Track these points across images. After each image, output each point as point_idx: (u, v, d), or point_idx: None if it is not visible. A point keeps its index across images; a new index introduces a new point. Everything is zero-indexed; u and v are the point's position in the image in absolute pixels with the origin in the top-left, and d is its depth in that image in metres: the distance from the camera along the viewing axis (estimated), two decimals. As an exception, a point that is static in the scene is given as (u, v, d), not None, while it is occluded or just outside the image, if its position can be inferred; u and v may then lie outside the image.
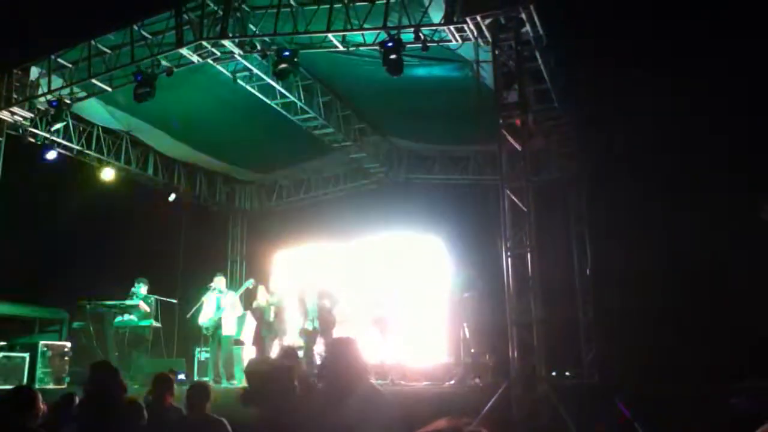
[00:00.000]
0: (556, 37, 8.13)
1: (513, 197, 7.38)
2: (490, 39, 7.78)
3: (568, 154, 10.93)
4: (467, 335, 9.73)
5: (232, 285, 11.35)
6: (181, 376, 10.22)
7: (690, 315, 8.91)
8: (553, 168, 10.92)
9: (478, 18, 7.63)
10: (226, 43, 8.92)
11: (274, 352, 10.69)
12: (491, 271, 8.58)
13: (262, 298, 10.86)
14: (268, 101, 10.45)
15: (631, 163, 9.76)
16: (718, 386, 7.21)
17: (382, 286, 11.08)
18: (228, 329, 10.60)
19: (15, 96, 10.47)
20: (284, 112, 10.78)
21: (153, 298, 11.09)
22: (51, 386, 9.92)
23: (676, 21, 8.55)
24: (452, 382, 9.42)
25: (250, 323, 11.39)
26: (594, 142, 10.26)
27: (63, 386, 10.13)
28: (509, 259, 7.30)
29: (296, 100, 10.52)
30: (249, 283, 11.11)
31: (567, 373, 10.46)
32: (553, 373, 8.75)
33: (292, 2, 8.59)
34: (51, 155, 11.09)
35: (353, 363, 3.36)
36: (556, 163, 10.95)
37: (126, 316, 10.79)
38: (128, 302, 10.81)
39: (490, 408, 6.82)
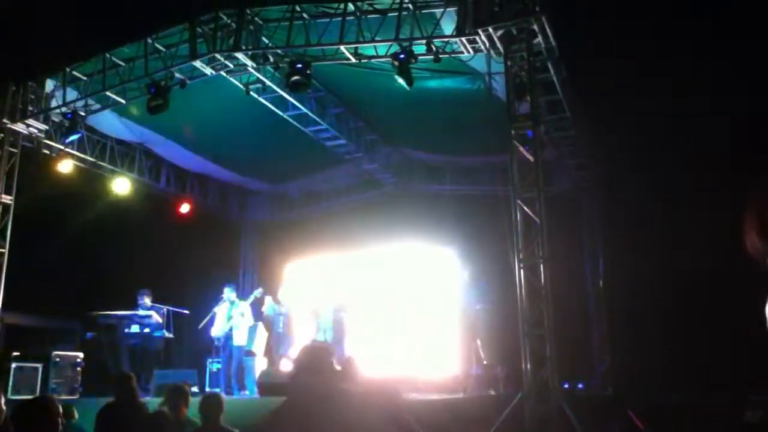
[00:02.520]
0: (568, 48, 8.14)
1: (525, 208, 7.39)
2: (502, 50, 7.81)
3: (580, 164, 10.92)
4: (479, 347, 9.70)
5: (244, 296, 11.36)
6: (194, 388, 10.22)
7: (704, 326, 8.84)
8: (565, 179, 10.91)
9: (490, 29, 7.66)
10: (239, 55, 8.99)
11: (283, 364, 10.72)
12: (503, 283, 8.56)
13: (269, 308, 10.88)
14: (281, 113, 10.51)
15: (644, 174, 9.73)
16: (734, 398, 7.14)
17: (394, 297, 11.08)
18: (239, 340, 10.62)
19: (30, 108, 10.58)
20: (297, 124, 10.84)
21: (165, 308, 11.13)
22: (64, 396, 9.94)
23: (692, 24, 8.50)
24: (462, 395, 9.38)
25: (261, 334, 11.41)
26: (606, 152, 10.23)
27: (75, 397, 10.16)
28: (521, 271, 7.30)
29: (309, 112, 10.58)
30: (257, 293, 11.13)
31: (580, 385, 10.40)
32: (566, 385, 8.69)
33: (304, 15, 8.65)
34: (65, 167, 11.18)
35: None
36: (568, 173, 10.94)
37: (138, 327, 10.82)
38: (140, 313, 10.85)
39: (503, 420, 6.80)
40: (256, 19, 8.98)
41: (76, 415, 5.32)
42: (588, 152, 10.63)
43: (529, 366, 7.02)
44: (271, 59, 9.06)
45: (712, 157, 8.97)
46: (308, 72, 8.75)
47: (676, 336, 8.97)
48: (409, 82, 8.17)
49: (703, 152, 9.02)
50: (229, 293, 10.85)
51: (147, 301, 10.93)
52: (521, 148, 7.54)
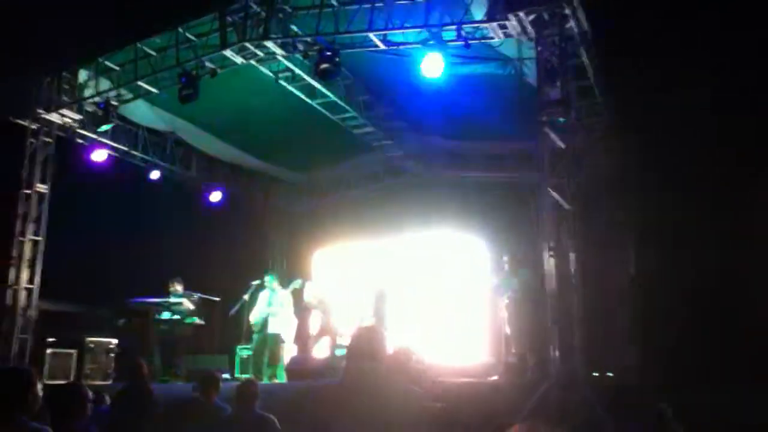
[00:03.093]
0: (601, 32, 8.03)
1: (555, 195, 7.32)
2: (533, 35, 7.73)
3: (612, 151, 10.77)
4: (508, 335, 9.66)
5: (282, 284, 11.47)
6: (225, 375, 10.35)
7: (737, 318, 8.69)
8: (596, 166, 10.75)
9: (521, 14, 7.58)
10: (269, 44, 9.03)
11: (317, 350, 10.80)
12: (532, 271, 8.51)
13: (309, 295, 10.94)
14: (310, 101, 10.54)
15: (677, 162, 9.57)
16: (764, 392, 7.03)
17: (422, 284, 11.08)
18: (275, 327, 10.69)
19: (64, 98, 10.77)
20: (325, 112, 10.86)
21: (197, 295, 11.27)
22: (98, 382, 10.15)
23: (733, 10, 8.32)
24: (495, 377, 9.35)
25: (292, 321, 11.50)
26: (640, 139, 10.08)
27: (109, 382, 10.36)
28: (551, 259, 7.24)
29: (337, 100, 10.60)
30: (297, 283, 11.17)
31: (609, 374, 10.30)
32: (595, 374, 8.62)
33: (333, 2, 8.65)
34: (99, 156, 11.36)
35: (377, 351, 3.32)
36: (599, 160, 10.79)
37: (169, 314, 10.97)
38: (172, 299, 11.00)
39: (532, 407, 6.77)
40: (286, 7, 9.01)
41: (107, 400, 5.45)
42: (621, 138, 10.47)
43: (557, 354, 6.98)
44: (301, 47, 9.08)
45: (750, 146, 8.79)
46: (337, 60, 8.76)
47: (708, 327, 8.83)
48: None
49: (740, 141, 8.83)
50: (270, 281, 10.91)
51: (178, 288, 11.07)
52: (552, 135, 7.46)
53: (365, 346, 3.31)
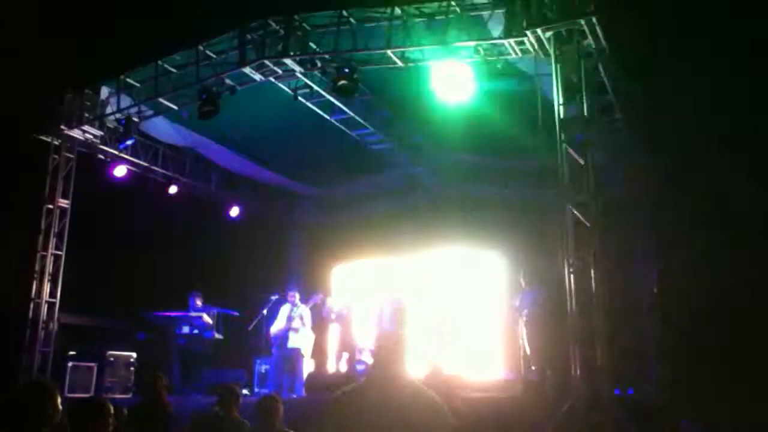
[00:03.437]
0: (620, 48, 7.98)
1: (575, 212, 7.26)
2: (551, 52, 7.69)
3: (633, 167, 10.67)
4: (527, 352, 9.57)
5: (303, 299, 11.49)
6: (244, 390, 10.36)
7: (764, 335, 8.53)
8: (617, 182, 10.66)
9: (539, 31, 7.55)
10: (288, 61, 9.09)
11: (336, 365, 10.79)
12: (553, 288, 8.42)
13: (328, 311, 10.95)
14: (328, 117, 10.58)
15: (701, 177, 9.46)
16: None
17: (441, 300, 11.03)
18: (294, 342, 10.71)
19: (86, 115, 10.91)
20: (343, 128, 10.90)
21: (215, 310, 11.31)
22: (117, 395, 10.20)
23: (750, 22, 8.23)
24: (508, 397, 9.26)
25: (309, 336, 11.50)
26: (661, 154, 9.98)
27: (128, 396, 10.41)
28: (571, 276, 7.17)
29: (355, 116, 10.63)
30: (317, 299, 11.19)
31: (631, 393, 10.16)
32: (617, 392, 8.51)
33: (351, 20, 8.70)
34: (120, 171, 11.49)
35: (402, 357, 3.33)
36: (620, 177, 10.69)
37: (189, 328, 11.02)
38: (191, 314, 11.05)
39: (554, 426, 6.69)
40: (304, 25, 9.08)
41: (126, 414, 5.48)
42: (642, 154, 10.38)
43: (579, 372, 6.90)
44: (319, 64, 9.14)
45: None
46: (355, 76, 8.79)
47: (735, 345, 8.68)
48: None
49: (764, 158, 8.70)
50: (292, 295, 10.96)
51: (198, 302, 11.14)
52: (571, 151, 7.41)
53: (390, 351, 3.33)
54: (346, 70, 8.73)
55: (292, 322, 10.69)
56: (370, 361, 10.43)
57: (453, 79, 8.28)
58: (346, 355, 10.84)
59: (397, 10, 8.41)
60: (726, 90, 8.57)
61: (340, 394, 3.30)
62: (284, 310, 10.84)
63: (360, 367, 10.58)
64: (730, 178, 9.02)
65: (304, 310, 10.85)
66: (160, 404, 6.17)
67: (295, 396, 10.46)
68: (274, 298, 11.01)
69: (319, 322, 11.13)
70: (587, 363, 6.87)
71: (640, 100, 9.30)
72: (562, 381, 8.08)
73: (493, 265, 12.48)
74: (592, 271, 7.08)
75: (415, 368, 3.45)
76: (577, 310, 7.04)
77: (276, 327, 10.76)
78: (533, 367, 9.51)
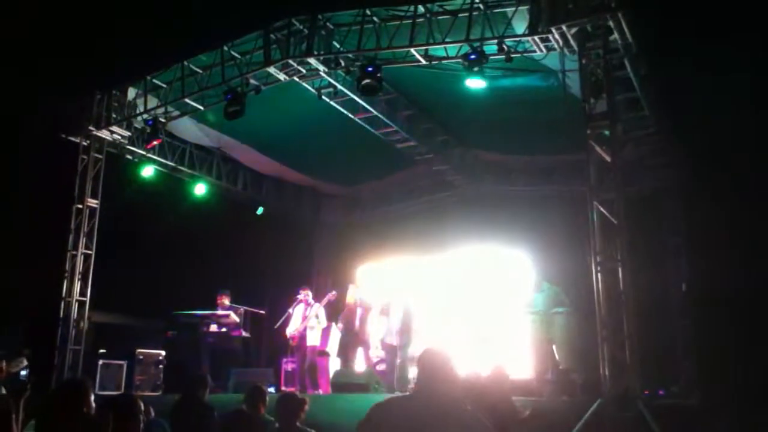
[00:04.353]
0: (647, 44, 7.85)
1: (602, 209, 7.17)
2: (576, 48, 7.61)
3: (661, 164, 10.52)
4: (555, 351, 9.48)
5: (317, 297, 11.50)
6: (271, 389, 10.41)
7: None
8: (645, 179, 10.50)
9: (564, 27, 7.48)
10: (312, 60, 9.10)
11: (358, 363, 10.79)
12: (580, 286, 8.34)
13: (351, 298, 10.95)
14: (352, 116, 10.59)
15: (730, 172, 9.27)
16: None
17: (467, 299, 10.97)
18: (312, 340, 10.74)
19: (114, 116, 11.07)
20: (368, 127, 10.89)
21: (242, 308, 11.39)
22: (147, 393, 10.32)
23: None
24: (541, 398, 9.18)
25: (335, 335, 11.51)
26: (689, 150, 9.81)
27: (158, 393, 10.53)
28: (599, 274, 7.09)
29: (379, 115, 10.61)
30: (331, 296, 11.21)
31: (661, 393, 10.02)
32: (647, 392, 8.39)
33: (375, 18, 8.70)
34: (148, 171, 11.63)
35: (446, 375, 3.40)
36: (648, 173, 10.54)
37: (216, 327, 11.11)
38: (219, 312, 11.14)
39: (583, 425, 6.62)
40: (328, 24, 9.10)
41: (152, 413, 5.52)
42: (670, 150, 10.21)
43: (608, 372, 6.81)
44: (343, 63, 9.15)
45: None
46: (379, 75, 8.78)
47: (765, 343, 8.49)
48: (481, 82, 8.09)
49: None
50: (305, 294, 11.00)
51: (226, 301, 11.22)
52: (598, 148, 7.32)
53: (437, 369, 3.41)
54: (370, 69, 8.72)
55: (308, 321, 10.71)
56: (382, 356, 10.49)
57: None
58: (362, 352, 10.83)
59: (421, 8, 8.38)
60: (756, 84, 8.38)
61: (384, 401, 3.45)
62: (299, 309, 10.86)
63: (380, 367, 10.56)
64: (760, 173, 8.83)
65: (318, 309, 10.87)
66: (204, 406, 6.22)
67: (320, 392, 10.50)
68: (299, 297, 11.03)
69: (341, 313, 11.10)
70: (616, 362, 6.79)
71: (667, 95, 9.14)
72: (590, 381, 8.00)
73: (521, 263, 12.37)
74: (620, 269, 6.99)
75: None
76: (605, 309, 6.96)
77: (293, 327, 10.80)
78: (561, 367, 9.41)
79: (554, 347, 9.47)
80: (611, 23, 7.33)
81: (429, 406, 3.26)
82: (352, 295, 10.98)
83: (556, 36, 7.62)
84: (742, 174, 9.05)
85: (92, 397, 3.50)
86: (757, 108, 8.45)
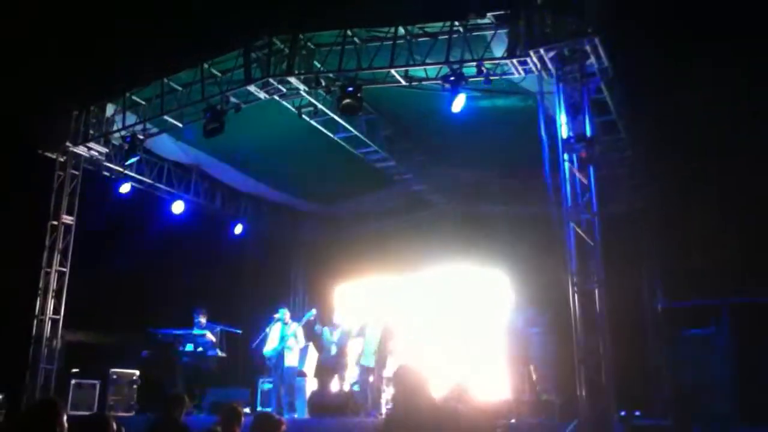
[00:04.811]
0: (623, 68, 8.00)
1: (579, 231, 7.25)
2: (553, 71, 7.73)
3: (636, 185, 10.67)
4: (532, 373, 9.50)
5: (294, 316, 11.43)
6: (246, 409, 10.29)
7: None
8: (620, 200, 10.64)
9: (542, 51, 7.60)
10: (292, 79, 9.13)
11: (334, 384, 10.72)
12: (557, 307, 8.38)
13: (324, 334, 10.91)
14: (332, 135, 10.61)
15: (704, 194, 9.44)
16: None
17: (443, 319, 10.98)
18: (290, 360, 10.65)
19: (91, 132, 10.97)
20: (347, 146, 10.92)
21: (219, 328, 11.28)
22: (120, 413, 10.15)
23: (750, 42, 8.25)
24: (513, 421, 9.16)
25: (312, 355, 11.44)
26: (664, 172, 9.97)
27: (131, 414, 10.36)
28: (576, 295, 7.15)
29: (359, 134, 10.65)
30: (310, 315, 11.15)
31: (637, 413, 10.07)
32: (623, 413, 8.43)
33: (356, 39, 8.76)
34: (125, 188, 11.52)
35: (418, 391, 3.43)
36: (623, 195, 10.68)
37: (192, 346, 10.98)
38: (195, 331, 11.02)
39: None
40: (309, 44, 9.15)
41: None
42: (645, 173, 10.37)
43: (584, 393, 6.85)
44: (323, 83, 9.19)
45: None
46: (359, 95, 8.83)
47: (741, 364, 8.61)
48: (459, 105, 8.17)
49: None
50: (282, 314, 10.92)
51: (203, 319, 11.11)
52: (575, 170, 7.42)
53: (411, 384, 3.51)
54: (351, 89, 8.76)
55: (285, 341, 10.62)
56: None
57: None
58: (341, 374, 10.79)
59: (401, 30, 8.46)
60: (730, 104, 8.57)
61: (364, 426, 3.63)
62: (276, 328, 10.77)
63: (357, 388, 10.53)
64: (736, 193, 9.00)
65: (297, 328, 10.79)
66: (179, 427, 6.11)
67: (296, 416, 10.41)
68: (276, 316, 10.95)
69: (314, 338, 11.07)
70: (593, 383, 6.82)
71: (643, 118, 9.31)
72: (567, 402, 8.02)
73: (496, 283, 12.42)
74: (597, 290, 7.05)
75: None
76: (581, 330, 7.00)
77: (269, 347, 10.70)
78: (538, 388, 9.43)
79: (531, 367, 9.49)
80: (588, 48, 7.46)
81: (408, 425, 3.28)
82: (324, 334, 10.96)
83: (534, 59, 7.74)
84: (719, 193, 9.22)
85: (65, 417, 3.45)
86: (731, 129, 8.63)
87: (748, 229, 9.15)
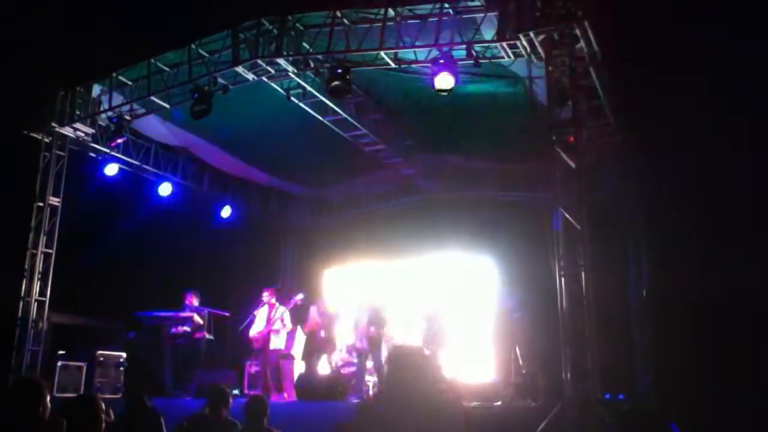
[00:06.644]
0: (612, 53, 7.99)
1: (567, 216, 7.27)
2: (543, 55, 7.71)
3: (624, 171, 10.70)
4: (518, 355, 9.57)
5: (283, 299, 11.43)
6: (235, 391, 10.31)
7: (756, 338, 8.53)
8: (608, 185, 10.67)
9: (531, 34, 7.57)
10: (281, 61, 9.07)
11: (321, 367, 10.76)
12: (543, 291, 8.43)
13: (312, 320, 10.92)
14: (321, 118, 10.56)
15: (692, 180, 9.47)
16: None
17: (432, 304, 11.01)
18: (277, 343, 10.66)
19: (78, 113, 10.85)
20: (336, 129, 10.88)
21: (206, 311, 11.26)
22: (107, 395, 10.14)
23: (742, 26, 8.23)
24: (500, 403, 9.24)
25: (300, 338, 11.45)
26: (652, 158, 9.99)
27: (118, 396, 10.35)
28: (562, 279, 7.18)
29: (348, 117, 10.60)
30: (298, 298, 11.16)
31: (621, 397, 10.17)
32: (607, 396, 8.51)
33: (345, 21, 8.69)
34: (111, 170, 11.42)
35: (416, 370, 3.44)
36: (611, 180, 10.71)
37: (180, 328, 10.97)
38: (182, 314, 11.00)
39: (544, 429, 6.69)
40: (298, 25, 9.07)
41: (112, 416, 5.38)
42: (633, 158, 10.40)
43: (569, 376, 6.90)
44: (312, 65, 9.12)
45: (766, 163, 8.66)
46: (348, 77, 8.78)
47: (725, 349, 8.68)
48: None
49: (758, 159, 8.71)
50: (268, 297, 10.91)
51: (195, 301, 11.09)
52: (563, 155, 7.42)
53: (408, 360, 3.54)
54: (339, 71, 8.72)
55: (272, 324, 10.62)
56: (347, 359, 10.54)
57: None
58: (326, 356, 10.83)
59: (390, 12, 8.41)
60: (722, 90, 8.57)
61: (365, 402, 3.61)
62: (262, 311, 10.77)
63: (348, 369, 10.58)
64: (725, 179, 9.03)
65: (284, 312, 10.79)
66: (145, 411, 6.06)
67: (285, 396, 10.44)
68: (264, 298, 10.95)
69: (310, 324, 11.07)
70: (577, 367, 6.87)
71: (631, 103, 9.31)
72: (552, 385, 8.08)
73: (485, 268, 12.47)
74: (583, 274, 7.08)
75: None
76: (567, 314, 7.04)
77: (256, 330, 10.70)
78: (524, 371, 9.50)
79: (517, 350, 9.55)
80: (577, 32, 7.45)
81: (410, 405, 3.33)
82: (314, 316, 10.96)
83: (524, 43, 7.72)
84: (704, 180, 9.25)
85: (48, 398, 3.41)
86: (718, 114, 8.64)
87: (737, 215, 9.18)
